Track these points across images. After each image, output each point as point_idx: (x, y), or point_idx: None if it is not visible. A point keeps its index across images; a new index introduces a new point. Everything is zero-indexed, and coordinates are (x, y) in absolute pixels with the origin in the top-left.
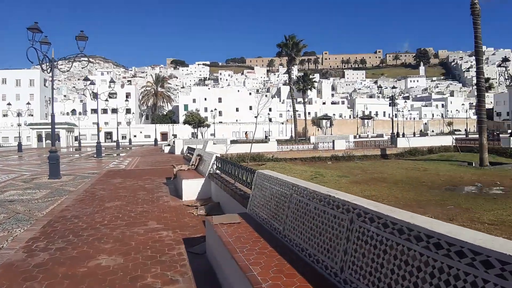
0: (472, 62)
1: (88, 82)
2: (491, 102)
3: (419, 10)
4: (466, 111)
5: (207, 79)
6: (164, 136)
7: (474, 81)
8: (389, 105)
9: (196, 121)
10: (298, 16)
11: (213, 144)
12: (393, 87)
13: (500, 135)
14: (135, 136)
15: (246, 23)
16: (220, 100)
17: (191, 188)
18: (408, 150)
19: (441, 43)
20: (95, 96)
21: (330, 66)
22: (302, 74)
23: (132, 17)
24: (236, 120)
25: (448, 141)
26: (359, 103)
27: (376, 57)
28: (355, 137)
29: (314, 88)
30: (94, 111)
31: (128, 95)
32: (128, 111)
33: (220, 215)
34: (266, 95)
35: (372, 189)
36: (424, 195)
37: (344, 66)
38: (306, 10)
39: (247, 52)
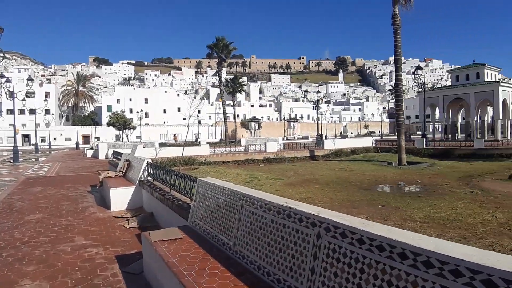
0: (385, 70)
1: (3, 80)
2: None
3: (338, 20)
4: (380, 114)
5: (132, 78)
6: (86, 139)
7: (387, 88)
8: (313, 109)
9: (121, 122)
10: (226, 19)
11: (143, 148)
12: (318, 92)
13: (412, 137)
14: (55, 139)
15: (173, 23)
16: (146, 101)
17: (120, 197)
18: (334, 151)
19: (357, 52)
20: (11, 95)
21: (258, 70)
22: (232, 76)
23: (52, 11)
24: (164, 122)
25: (368, 142)
26: (285, 106)
27: (300, 63)
28: (283, 139)
29: (244, 91)
30: (10, 111)
31: (47, 95)
32: (47, 111)
33: (158, 230)
34: (195, 97)
35: (306, 191)
36: (356, 195)
37: (271, 70)
38: (234, 14)
39: (174, 52)
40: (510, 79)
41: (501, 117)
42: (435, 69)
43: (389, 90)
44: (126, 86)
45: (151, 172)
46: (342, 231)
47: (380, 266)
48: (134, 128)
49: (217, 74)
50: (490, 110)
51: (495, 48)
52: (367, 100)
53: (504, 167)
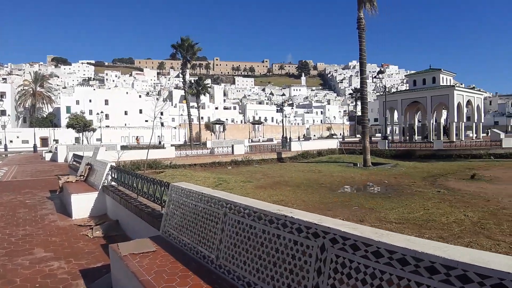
0: (345, 74)
1: None
2: (360, 110)
3: (301, 25)
4: (341, 117)
5: (92, 79)
6: (45, 141)
7: (347, 92)
8: (277, 111)
9: (81, 124)
10: (190, 19)
11: (105, 150)
12: (283, 95)
13: (373, 138)
14: (11, 141)
15: (135, 22)
16: (107, 102)
17: (82, 204)
18: (301, 153)
19: (319, 56)
20: None
21: (221, 72)
22: (196, 78)
23: (9, 8)
24: (125, 124)
25: (333, 144)
26: (250, 109)
27: (263, 66)
28: (248, 141)
29: (208, 93)
30: None
31: (2, 95)
32: (3, 112)
33: (126, 240)
34: (157, 98)
35: (278, 193)
36: (328, 197)
37: (235, 72)
38: (197, 15)
39: (136, 52)
40: (461, 84)
41: (456, 120)
42: (392, 74)
43: (350, 94)
44: (86, 86)
45: (115, 177)
46: (353, 242)
47: (403, 283)
48: (94, 130)
49: (180, 76)
50: (445, 113)
51: (447, 53)
52: (328, 103)
53: (463, 167)
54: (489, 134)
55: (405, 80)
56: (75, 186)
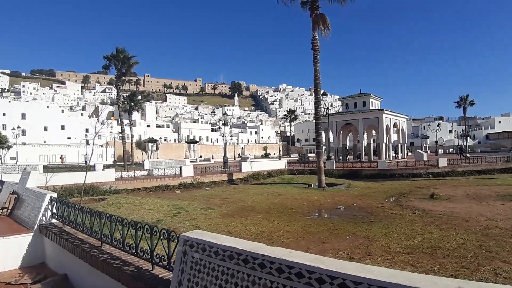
0: (276, 96)
1: None
2: (292, 131)
3: (232, 46)
4: (274, 138)
5: (6, 90)
6: None
7: (278, 113)
8: (212, 130)
9: None
10: (118, 32)
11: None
12: (225, 113)
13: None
14: None
15: (58, 32)
16: (23, 116)
17: (9, 251)
18: (252, 174)
19: (251, 78)
20: None
21: (152, 89)
22: (126, 94)
23: None
24: (45, 141)
25: (282, 164)
26: (184, 127)
27: (196, 84)
28: (189, 161)
29: (142, 109)
30: None
31: None
32: None
33: None
34: (82, 114)
35: (252, 223)
36: (309, 225)
37: (167, 90)
38: (126, 29)
39: (58, 64)
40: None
41: (385, 141)
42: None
43: (284, 115)
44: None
45: (61, 214)
46: None
47: None
48: (9, 147)
49: (107, 91)
50: (373, 134)
51: (371, 79)
52: (261, 123)
53: (413, 186)
54: (413, 153)
55: (332, 104)
56: None
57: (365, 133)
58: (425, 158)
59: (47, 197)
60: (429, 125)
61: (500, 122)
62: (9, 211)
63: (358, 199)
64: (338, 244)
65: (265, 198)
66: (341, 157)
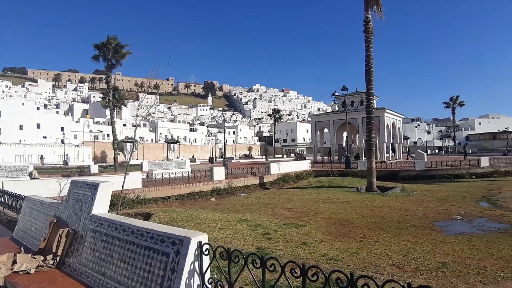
0: (250, 97)
1: None
2: (270, 131)
3: (204, 46)
4: (252, 137)
5: None
6: None
7: (252, 113)
8: (190, 130)
9: None
10: (89, 31)
11: (32, 178)
12: (224, 110)
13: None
14: None
15: (29, 29)
16: None
17: None
18: (281, 177)
19: (224, 78)
20: None
21: (123, 88)
22: (112, 87)
23: None
24: (20, 141)
25: (305, 166)
26: (161, 127)
27: (169, 84)
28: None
29: (125, 106)
30: None
31: None
32: None
33: None
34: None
35: (401, 249)
36: (458, 244)
37: (138, 89)
38: (96, 28)
39: (30, 62)
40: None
41: (386, 140)
42: (292, 99)
43: (269, 114)
44: None
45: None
46: None
47: None
48: None
49: (78, 89)
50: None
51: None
52: (235, 122)
53: (478, 187)
54: (410, 153)
55: (304, 105)
56: None
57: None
58: (425, 159)
59: (191, 244)
60: (418, 125)
61: (480, 123)
62: (58, 259)
63: (444, 205)
64: None
65: (337, 207)
66: (336, 157)
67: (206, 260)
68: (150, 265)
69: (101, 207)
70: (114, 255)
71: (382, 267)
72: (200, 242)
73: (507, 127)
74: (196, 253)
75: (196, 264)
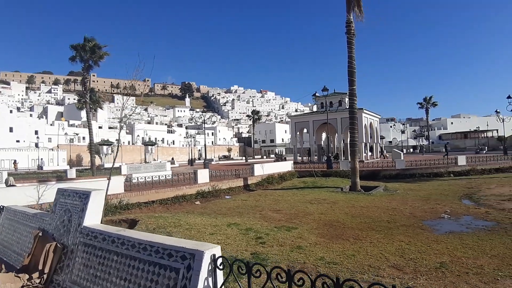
0: (228, 98)
1: None
2: (248, 132)
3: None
4: (232, 139)
5: None
6: None
7: (231, 114)
8: (167, 132)
9: None
10: (61, 32)
11: (8, 185)
12: (204, 111)
13: (287, 158)
14: None
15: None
16: None
17: None
18: (265, 178)
19: (201, 79)
20: None
21: (98, 89)
22: (80, 92)
23: None
24: None
25: (288, 166)
26: (138, 129)
27: (145, 85)
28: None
29: (101, 108)
30: None
31: None
32: None
33: None
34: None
35: (391, 250)
36: (451, 243)
37: (114, 90)
38: (70, 30)
39: (2, 64)
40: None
41: (364, 140)
42: (270, 100)
43: (247, 116)
44: None
45: None
46: None
47: None
48: None
49: (52, 92)
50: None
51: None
52: (213, 123)
53: (457, 185)
54: (383, 152)
55: (282, 106)
56: None
57: (343, 133)
58: (402, 158)
59: (205, 257)
60: (394, 125)
61: (452, 123)
62: (45, 277)
63: (429, 204)
64: None
65: (325, 208)
66: (315, 157)
67: (220, 275)
68: (156, 283)
69: (93, 218)
70: (111, 271)
71: (381, 269)
72: (214, 255)
73: (478, 127)
74: (210, 267)
75: (210, 280)
